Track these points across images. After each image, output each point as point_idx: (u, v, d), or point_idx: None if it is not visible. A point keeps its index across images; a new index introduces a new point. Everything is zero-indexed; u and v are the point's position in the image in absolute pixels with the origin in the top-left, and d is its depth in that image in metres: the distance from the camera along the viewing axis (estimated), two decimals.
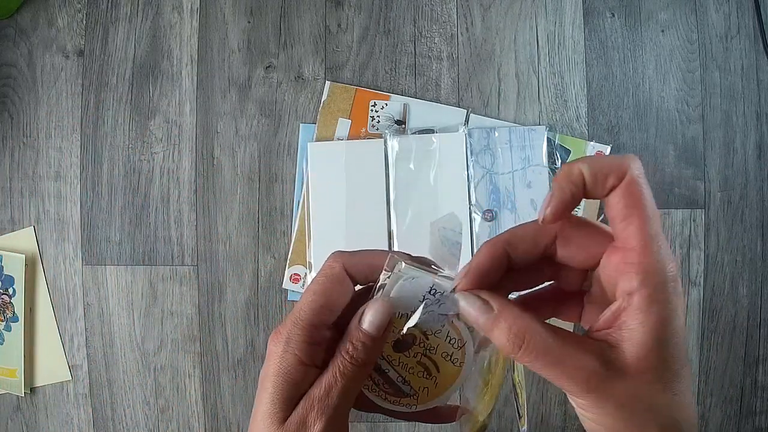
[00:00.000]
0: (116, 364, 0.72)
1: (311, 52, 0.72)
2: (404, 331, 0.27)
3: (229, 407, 0.71)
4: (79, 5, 0.73)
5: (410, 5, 0.72)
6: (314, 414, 0.25)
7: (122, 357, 0.72)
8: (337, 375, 0.26)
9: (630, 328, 0.23)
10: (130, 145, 0.73)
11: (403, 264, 0.27)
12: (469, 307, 0.25)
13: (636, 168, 0.23)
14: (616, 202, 0.24)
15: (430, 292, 0.27)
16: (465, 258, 0.25)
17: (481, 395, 0.29)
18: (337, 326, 0.28)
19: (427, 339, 0.28)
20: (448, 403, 0.29)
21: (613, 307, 0.23)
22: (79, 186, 0.73)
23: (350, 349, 0.26)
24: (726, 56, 0.70)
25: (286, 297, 0.71)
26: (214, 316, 0.71)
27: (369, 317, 0.26)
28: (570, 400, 0.24)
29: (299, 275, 0.70)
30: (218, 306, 0.71)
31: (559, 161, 0.69)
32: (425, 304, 0.27)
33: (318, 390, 0.26)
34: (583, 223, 0.26)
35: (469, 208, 0.69)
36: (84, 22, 0.73)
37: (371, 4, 0.72)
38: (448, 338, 0.28)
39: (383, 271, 0.28)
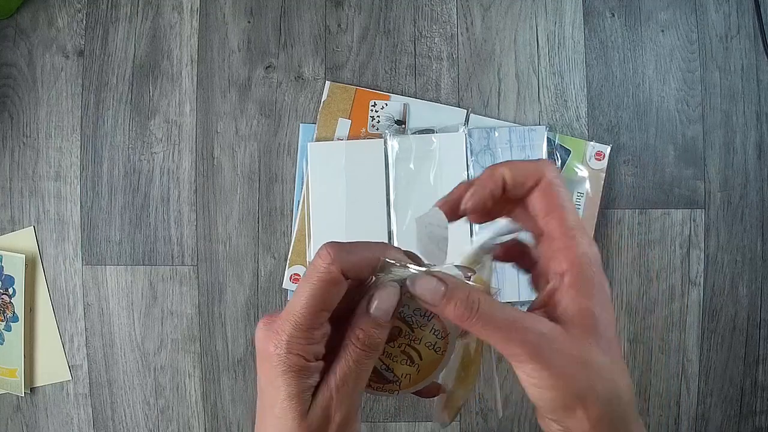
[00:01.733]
0: (116, 364, 0.72)
1: (311, 52, 0.72)
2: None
3: (229, 407, 0.71)
4: (79, 5, 0.73)
5: (410, 5, 0.72)
6: (335, 403, 0.26)
7: (122, 357, 0.72)
8: (351, 363, 0.26)
9: (565, 303, 0.26)
10: (130, 145, 0.73)
11: (391, 265, 0.28)
12: (422, 288, 0.26)
13: (550, 171, 0.28)
14: (536, 201, 0.28)
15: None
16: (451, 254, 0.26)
17: (460, 380, 0.31)
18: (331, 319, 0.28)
19: (413, 332, 0.29)
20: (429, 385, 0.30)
21: (548, 287, 0.27)
22: (79, 186, 0.73)
23: (361, 335, 0.27)
24: (726, 56, 0.70)
25: (286, 297, 0.71)
26: (214, 316, 0.71)
27: (378, 303, 0.27)
28: (517, 371, 0.25)
29: (299, 275, 0.70)
30: (218, 306, 0.71)
31: (559, 161, 0.69)
32: (412, 298, 0.28)
33: (334, 380, 0.26)
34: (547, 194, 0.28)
35: None
36: (84, 22, 0.73)
37: (371, 4, 0.72)
38: (433, 330, 0.29)
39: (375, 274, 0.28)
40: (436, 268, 0.27)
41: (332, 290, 0.26)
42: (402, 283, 0.27)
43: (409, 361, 0.29)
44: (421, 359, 0.29)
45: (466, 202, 0.28)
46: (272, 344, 0.26)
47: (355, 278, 0.27)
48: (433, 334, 0.29)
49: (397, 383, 0.30)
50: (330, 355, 0.27)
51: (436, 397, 0.31)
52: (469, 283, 0.27)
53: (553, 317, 0.26)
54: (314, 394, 0.26)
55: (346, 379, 0.26)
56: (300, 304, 0.26)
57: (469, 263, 0.30)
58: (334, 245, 0.27)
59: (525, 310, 0.27)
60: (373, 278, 0.28)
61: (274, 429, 0.26)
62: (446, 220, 0.28)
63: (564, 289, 0.26)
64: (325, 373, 0.27)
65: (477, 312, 0.25)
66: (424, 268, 0.27)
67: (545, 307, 0.27)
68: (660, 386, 0.69)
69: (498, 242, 0.30)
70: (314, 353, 0.26)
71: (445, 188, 0.68)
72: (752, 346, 0.69)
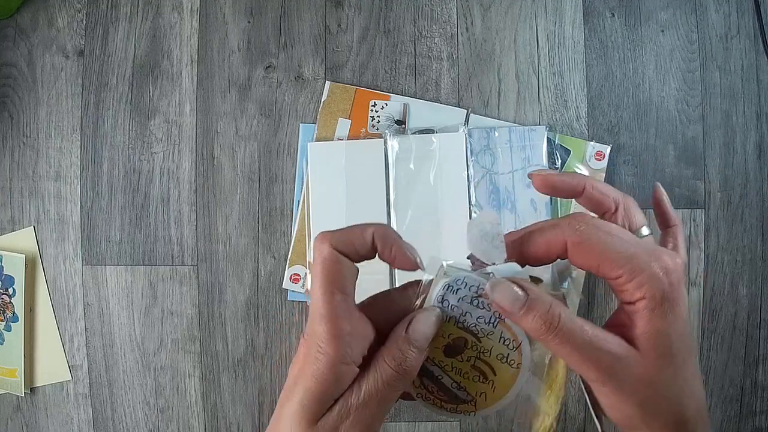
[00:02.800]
0: (116, 364, 0.72)
1: (311, 52, 0.72)
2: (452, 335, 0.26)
3: (229, 407, 0.71)
4: (79, 5, 0.73)
5: (410, 5, 0.72)
6: (348, 422, 0.24)
7: (122, 357, 0.72)
8: (378, 383, 0.25)
9: (641, 325, 0.25)
10: (130, 145, 0.73)
11: (445, 264, 0.27)
12: (502, 295, 0.25)
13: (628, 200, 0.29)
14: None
15: (476, 292, 0.27)
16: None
17: (545, 396, 0.28)
18: (377, 331, 0.27)
19: (480, 342, 0.27)
20: (508, 404, 0.28)
21: (625, 306, 0.26)
22: (79, 186, 0.73)
23: (397, 355, 0.25)
24: (726, 56, 0.70)
25: (286, 297, 0.71)
26: (214, 316, 0.71)
27: (417, 326, 0.26)
28: (592, 390, 0.25)
29: (299, 275, 0.70)
30: (218, 306, 0.71)
31: (559, 161, 0.69)
32: (472, 304, 0.26)
33: (356, 397, 0.25)
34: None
35: (469, 208, 0.69)
36: (84, 22, 0.73)
37: (371, 4, 0.72)
38: (502, 339, 0.27)
39: (425, 274, 0.27)
40: (497, 268, 0.26)
41: (335, 268, 0.26)
42: (443, 296, 0.26)
43: (482, 378, 0.27)
44: (495, 375, 0.27)
45: (559, 177, 0.29)
46: (304, 344, 0.26)
47: (357, 259, 0.27)
48: (503, 344, 0.27)
49: (473, 403, 0.27)
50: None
51: (517, 421, 0.30)
52: (550, 294, 0.26)
53: (629, 338, 0.25)
54: (333, 405, 0.25)
55: (369, 399, 0.25)
56: (315, 294, 0.26)
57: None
58: (325, 232, 0.27)
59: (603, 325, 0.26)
60: (422, 282, 0.27)
61: (281, 430, 0.26)
62: (498, 218, 0.27)
63: (640, 310, 0.25)
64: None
65: (557, 328, 0.24)
66: (487, 270, 0.26)
67: (622, 327, 0.25)
68: None
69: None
70: (341, 351, 0.25)
71: (445, 188, 0.69)
72: (752, 346, 0.69)
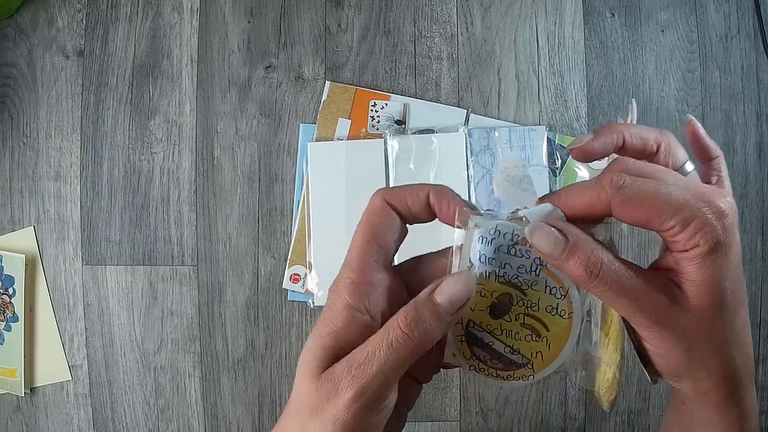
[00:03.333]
0: (116, 364, 0.72)
1: (311, 52, 0.72)
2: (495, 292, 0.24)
3: (229, 407, 0.71)
4: (79, 5, 0.73)
5: (410, 5, 0.72)
6: (348, 380, 0.23)
7: (122, 357, 0.72)
8: (384, 344, 0.23)
9: (691, 270, 0.23)
10: (130, 145, 0.73)
11: (476, 216, 0.24)
12: (542, 239, 0.23)
13: (670, 137, 0.27)
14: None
15: (512, 239, 0.24)
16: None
17: (604, 346, 0.26)
18: (407, 284, 0.26)
19: (525, 295, 0.25)
20: (566, 362, 0.26)
21: (675, 252, 0.24)
22: (79, 186, 0.73)
23: (411, 317, 0.23)
24: (726, 56, 0.70)
25: (286, 297, 0.71)
26: (214, 316, 0.71)
27: (443, 288, 0.24)
28: (637, 333, 0.24)
29: (299, 275, 0.70)
30: (218, 306, 0.71)
31: (559, 161, 0.69)
32: (510, 253, 0.24)
33: (360, 354, 0.23)
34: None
35: None
36: (84, 22, 0.73)
37: (371, 4, 0.72)
38: (548, 288, 0.25)
39: (455, 229, 0.25)
40: (529, 211, 0.24)
41: (378, 220, 0.25)
42: (492, 236, 0.24)
43: (535, 336, 0.25)
44: (547, 330, 0.25)
45: (598, 141, 0.27)
46: (329, 291, 0.24)
47: (408, 216, 0.26)
48: (550, 293, 0.25)
49: (530, 366, 0.25)
50: None
51: (582, 380, 0.27)
52: (591, 237, 0.24)
53: (678, 282, 0.24)
54: (342, 360, 0.23)
55: (371, 359, 0.23)
56: (353, 241, 0.25)
57: None
58: (384, 188, 0.26)
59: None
60: (455, 237, 0.25)
61: (295, 382, 0.24)
62: (522, 161, 0.26)
63: (692, 257, 0.23)
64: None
65: (600, 274, 0.23)
66: (520, 215, 0.24)
67: (671, 271, 0.24)
68: (660, 386, 0.69)
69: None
70: (361, 298, 0.24)
71: None
72: (752, 346, 0.69)
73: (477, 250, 0.25)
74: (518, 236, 0.24)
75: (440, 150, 0.69)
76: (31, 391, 0.73)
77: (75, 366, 0.72)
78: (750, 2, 0.70)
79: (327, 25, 0.72)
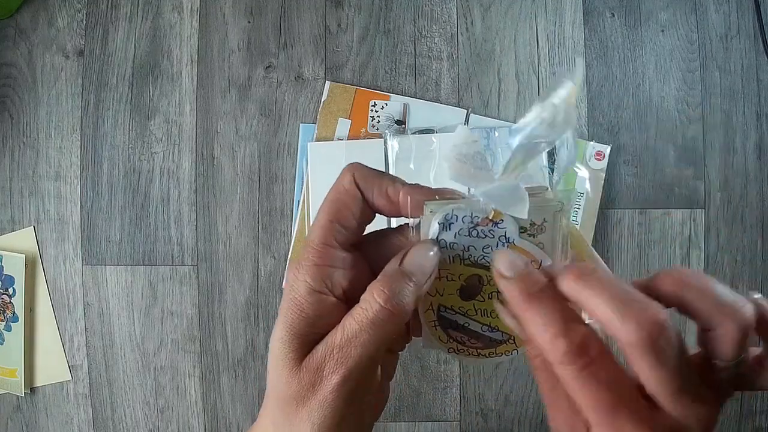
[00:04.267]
0: (116, 364, 0.72)
1: (311, 52, 0.72)
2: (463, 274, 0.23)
3: (229, 407, 0.71)
4: (79, 5, 0.73)
5: (410, 5, 0.72)
6: (332, 364, 0.22)
7: (122, 357, 0.72)
8: (363, 321, 0.22)
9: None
10: (130, 145, 0.73)
11: (430, 203, 0.24)
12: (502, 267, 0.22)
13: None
14: None
15: (471, 222, 0.23)
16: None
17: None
18: (367, 259, 0.25)
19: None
20: None
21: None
22: (79, 186, 0.73)
23: (388, 288, 0.22)
24: (726, 56, 0.70)
25: None
26: (214, 316, 0.71)
27: (412, 258, 0.23)
28: None
29: None
30: (218, 306, 0.71)
31: None
32: (472, 235, 0.23)
33: (339, 336, 0.22)
34: None
35: None
36: (84, 22, 0.73)
37: (371, 4, 0.72)
38: None
39: (411, 219, 0.24)
40: (487, 188, 0.22)
41: (342, 200, 0.24)
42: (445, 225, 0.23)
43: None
44: None
45: None
46: (290, 271, 0.23)
47: (376, 204, 0.25)
48: None
49: (511, 341, 0.25)
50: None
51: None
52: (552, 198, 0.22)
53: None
54: (318, 346, 0.23)
55: (351, 338, 0.22)
56: (315, 221, 0.24)
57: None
58: (357, 163, 0.25)
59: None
60: (410, 223, 0.24)
61: (270, 377, 0.23)
62: (474, 135, 0.23)
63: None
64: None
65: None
66: (477, 197, 0.23)
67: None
68: None
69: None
70: (324, 281, 0.23)
71: None
72: None
73: (437, 235, 0.24)
74: (477, 218, 0.23)
75: (440, 150, 0.69)
76: (31, 391, 0.73)
77: (75, 366, 0.72)
78: (750, 2, 0.70)
79: (327, 25, 0.72)
